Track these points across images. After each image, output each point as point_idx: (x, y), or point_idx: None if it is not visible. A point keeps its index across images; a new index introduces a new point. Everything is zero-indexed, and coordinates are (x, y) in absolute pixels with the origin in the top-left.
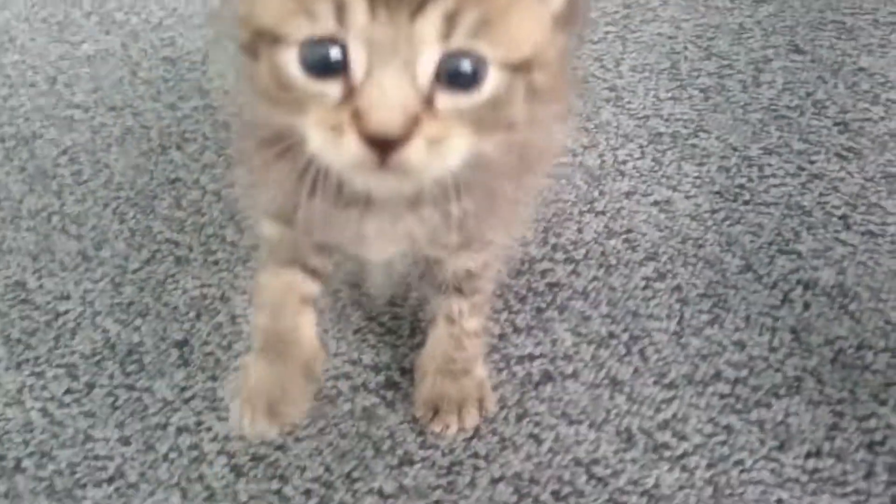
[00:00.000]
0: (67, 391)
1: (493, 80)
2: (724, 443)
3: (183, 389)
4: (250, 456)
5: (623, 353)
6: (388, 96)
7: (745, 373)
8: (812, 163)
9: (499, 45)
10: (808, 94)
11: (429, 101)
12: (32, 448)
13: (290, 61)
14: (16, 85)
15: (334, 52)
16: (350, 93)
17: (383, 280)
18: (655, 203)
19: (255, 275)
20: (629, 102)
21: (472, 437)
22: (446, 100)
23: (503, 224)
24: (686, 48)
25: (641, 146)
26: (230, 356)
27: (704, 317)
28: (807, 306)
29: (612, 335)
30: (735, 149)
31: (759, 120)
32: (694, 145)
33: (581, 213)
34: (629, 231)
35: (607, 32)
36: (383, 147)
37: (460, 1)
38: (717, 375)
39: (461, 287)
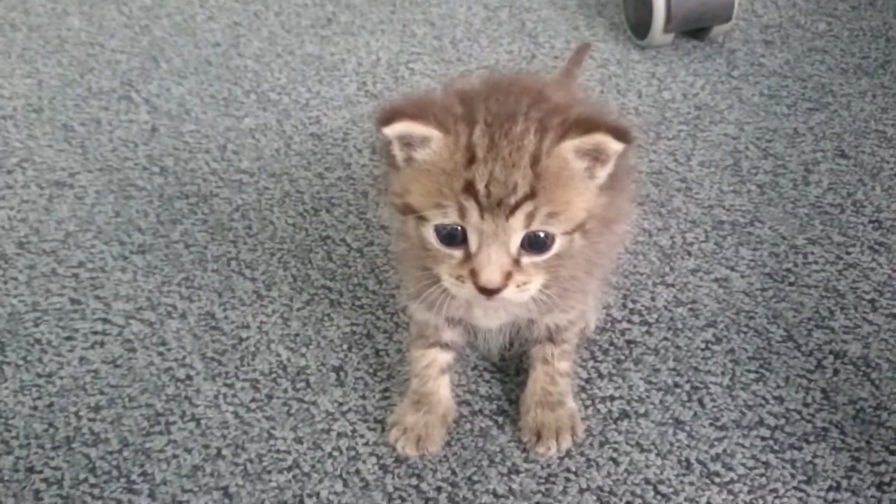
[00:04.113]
0: (252, 399)
1: (558, 243)
2: (762, 475)
3: (341, 404)
4: (394, 458)
5: (685, 400)
6: (492, 262)
7: (782, 421)
8: (848, 254)
9: (562, 223)
10: (849, 195)
11: (517, 262)
12: (229, 441)
13: (429, 233)
14: (194, 151)
15: (457, 233)
16: (467, 257)
17: (493, 340)
18: (716, 280)
19: (409, 348)
20: (697, 193)
21: (564, 457)
22: (528, 259)
23: (576, 298)
24: (747, 148)
25: (706, 231)
26: (375, 381)
27: (752, 375)
28: (836, 372)
29: (676, 385)
30: (784, 238)
31: (806, 214)
32: (750, 233)
33: (654, 285)
34: (693, 302)
35: (680, 131)
36: (489, 291)
37: (536, 205)
38: (760, 422)
39: (552, 337)
